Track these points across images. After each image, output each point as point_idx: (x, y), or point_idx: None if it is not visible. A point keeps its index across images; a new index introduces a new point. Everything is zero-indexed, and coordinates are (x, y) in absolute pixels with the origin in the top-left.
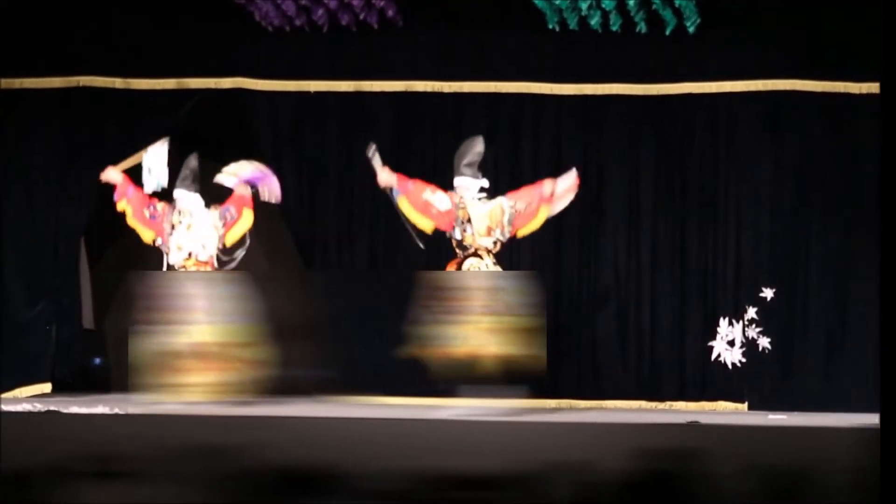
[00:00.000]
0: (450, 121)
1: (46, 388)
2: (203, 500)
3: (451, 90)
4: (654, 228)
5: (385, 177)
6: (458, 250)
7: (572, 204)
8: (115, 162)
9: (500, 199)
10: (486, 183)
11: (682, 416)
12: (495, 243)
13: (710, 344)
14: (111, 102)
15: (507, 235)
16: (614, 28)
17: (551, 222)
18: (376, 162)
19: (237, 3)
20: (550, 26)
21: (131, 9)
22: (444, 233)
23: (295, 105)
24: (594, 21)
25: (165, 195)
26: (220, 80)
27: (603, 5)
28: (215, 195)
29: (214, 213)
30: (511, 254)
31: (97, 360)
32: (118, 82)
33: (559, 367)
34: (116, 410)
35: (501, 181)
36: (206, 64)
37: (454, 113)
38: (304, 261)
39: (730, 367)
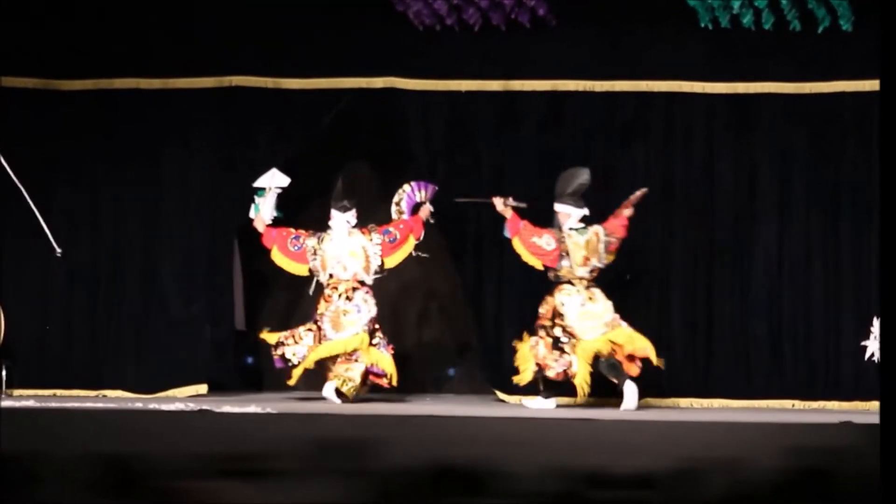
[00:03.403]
0: (601, 120)
1: (203, 388)
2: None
3: (602, 89)
4: (806, 227)
5: (508, 224)
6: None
7: (725, 202)
8: (268, 161)
9: (595, 228)
10: (587, 212)
11: (835, 415)
12: (592, 271)
13: (863, 343)
14: (263, 102)
15: (604, 262)
16: (766, 26)
17: (708, 219)
18: (507, 211)
19: (390, 1)
20: (702, 25)
21: (281, 8)
22: (551, 268)
23: (447, 104)
24: (746, 19)
25: (312, 222)
26: (371, 79)
27: (756, 3)
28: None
29: (367, 235)
30: (662, 253)
31: (249, 360)
32: (269, 82)
33: (711, 367)
34: (269, 410)
35: (654, 179)
36: (358, 63)
37: (605, 112)
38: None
39: None
